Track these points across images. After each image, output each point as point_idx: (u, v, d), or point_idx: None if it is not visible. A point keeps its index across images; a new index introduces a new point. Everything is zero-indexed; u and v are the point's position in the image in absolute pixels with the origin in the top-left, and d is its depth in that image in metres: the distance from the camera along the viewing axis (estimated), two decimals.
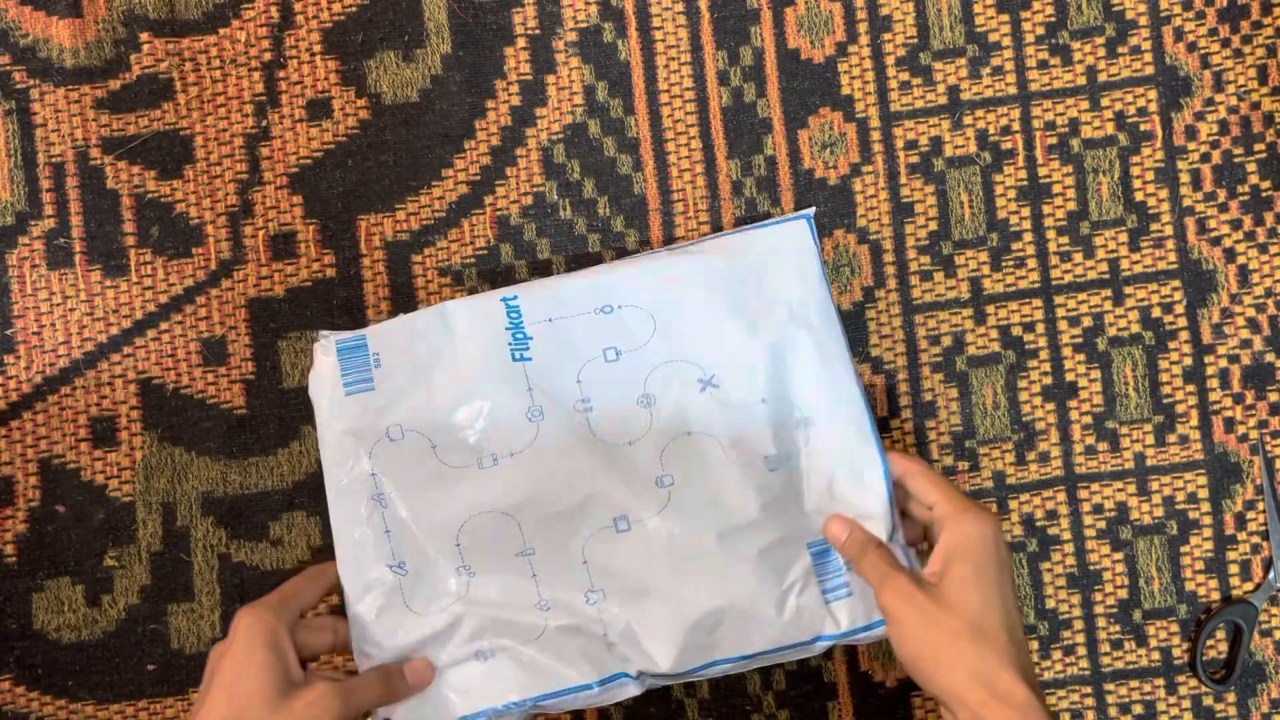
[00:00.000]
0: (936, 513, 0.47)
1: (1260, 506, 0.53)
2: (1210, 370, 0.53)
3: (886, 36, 0.54)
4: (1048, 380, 0.53)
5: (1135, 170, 0.54)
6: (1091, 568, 0.53)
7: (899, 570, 0.46)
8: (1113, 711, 0.53)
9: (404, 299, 0.53)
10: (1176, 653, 0.53)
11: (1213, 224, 0.54)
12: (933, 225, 0.54)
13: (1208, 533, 0.53)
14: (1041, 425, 0.53)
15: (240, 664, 0.44)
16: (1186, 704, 0.53)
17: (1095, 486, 0.53)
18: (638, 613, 0.48)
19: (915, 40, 0.53)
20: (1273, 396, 0.53)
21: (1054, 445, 0.53)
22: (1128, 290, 0.53)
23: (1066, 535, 0.53)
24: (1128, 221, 0.54)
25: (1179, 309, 0.53)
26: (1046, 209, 0.54)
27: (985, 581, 0.45)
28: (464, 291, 0.53)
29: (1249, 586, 0.54)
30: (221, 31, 0.54)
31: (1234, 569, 0.53)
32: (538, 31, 0.53)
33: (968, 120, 0.54)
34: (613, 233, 0.53)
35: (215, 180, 0.54)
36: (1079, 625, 0.53)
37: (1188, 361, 0.53)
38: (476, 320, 0.49)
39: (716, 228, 0.53)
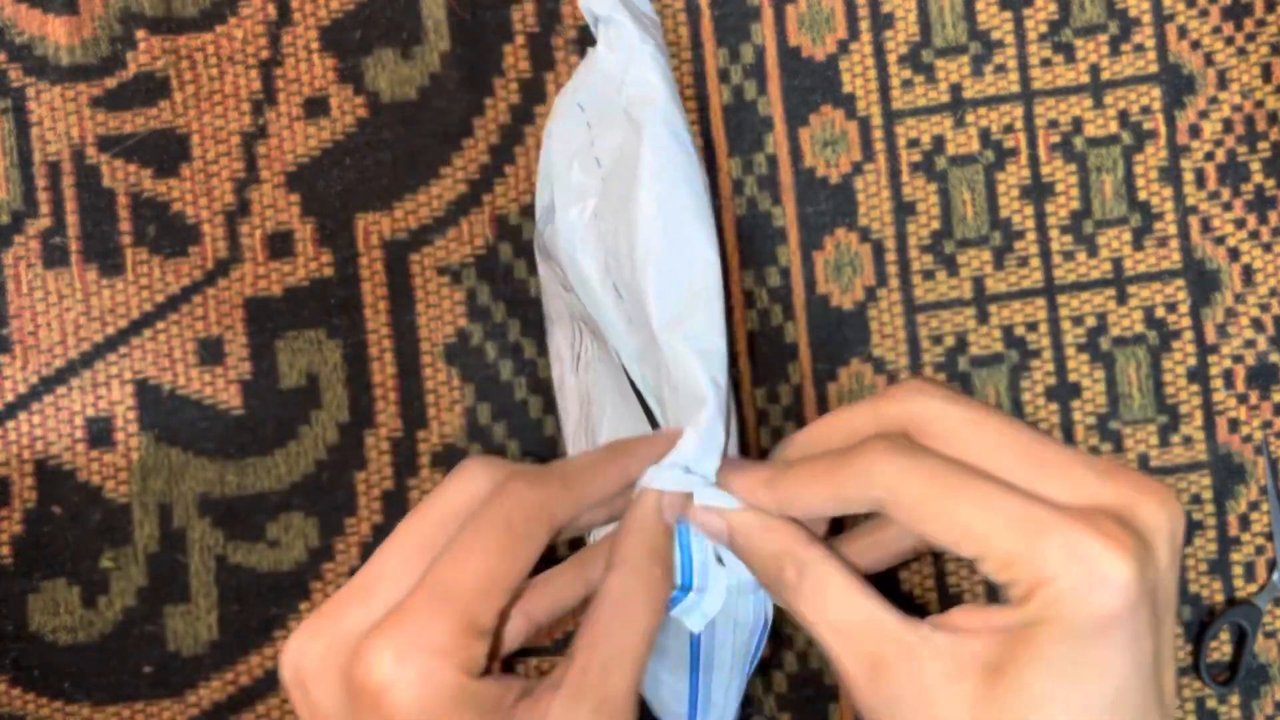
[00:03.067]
0: (987, 573, 0.29)
1: (1264, 507, 0.53)
2: (1214, 370, 0.53)
3: (888, 34, 0.53)
4: (1051, 381, 0.53)
5: (1139, 169, 0.53)
6: None
7: (893, 625, 0.30)
8: None
9: (402, 298, 0.53)
10: (1180, 655, 0.53)
11: (1216, 223, 0.53)
12: (935, 224, 0.53)
13: (1211, 534, 0.53)
14: (1045, 426, 0.53)
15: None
16: (1190, 706, 0.53)
17: None
18: None
19: (917, 38, 0.53)
20: (1277, 397, 0.53)
21: None
22: (1131, 290, 0.53)
23: None
24: (1131, 220, 0.53)
25: (1183, 309, 0.53)
26: (1049, 208, 0.53)
27: (1093, 687, 0.27)
28: (462, 291, 0.53)
29: (1253, 588, 0.53)
30: (219, 29, 0.53)
31: (1238, 570, 0.53)
32: (537, 29, 0.53)
33: (970, 118, 0.53)
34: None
35: (212, 179, 0.53)
36: None
37: (1191, 361, 0.53)
38: None
39: (717, 226, 0.53)
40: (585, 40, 0.53)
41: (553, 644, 0.53)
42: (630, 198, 0.40)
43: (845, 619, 0.31)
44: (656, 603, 0.33)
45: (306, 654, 0.31)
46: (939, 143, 0.53)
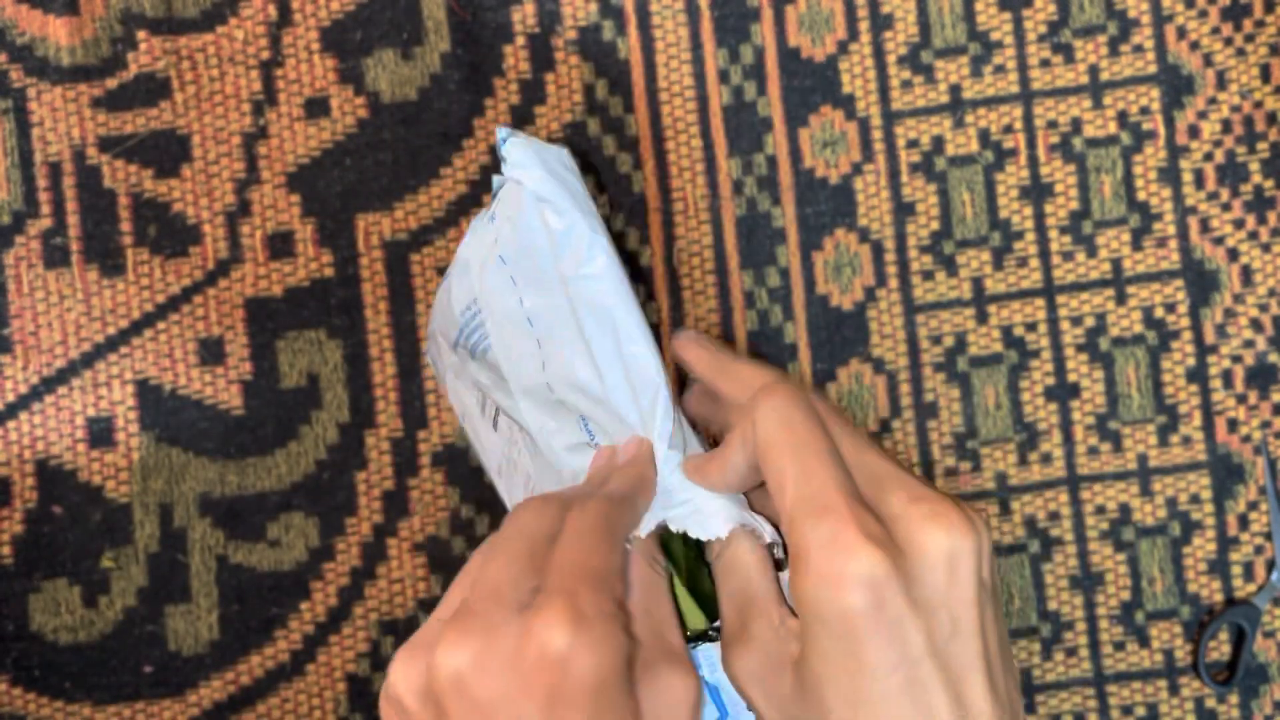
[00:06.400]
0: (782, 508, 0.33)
1: (1263, 507, 0.53)
2: (1213, 370, 0.53)
3: (888, 35, 0.53)
4: (1050, 381, 0.53)
5: (1138, 169, 0.53)
6: (1094, 569, 0.53)
7: (729, 621, 0.35)
8: (1115, 714, 0.53)
9: (402, 298, 0.53)
10: (1179, 654, 0.53)
11: (1215, 224, 0.53)
12: (934, 224, 0.53)
13: (1210, 534, 0.53)
14: (1044, 426, 0.53)
15: None
16: (1189, 705, 0.53)
17: (1098, 487, 0.53)
18: None
19: (917, 39, 0.53)
20: (1276, 397, 0.53)
21: (1056, 446, 0.53)
22: (1130, 290, 0.53)
23: (1069, 536, 0.53)
24: (1130, 221, 0.53)
25: (1182, 309, 0.53)
26: (1049, 208, 0.53)
27: (864, 678, 0.30)
28: None
29: (1251, 588, 0.53)
30: (219, 29, 0.53)
31: (1237, 570, 0.53)
32: (537, 30, 0.53)
33: (969, 119, 0.53)
34: (613, 232, 0.53)
35: (213, 179, 0.53)
36: (1081, 627, 0.53)
37: (1190, 362, 0.53)
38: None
39: (717, 227, 0.53)
40: (585, 41, 0.53)
41: None
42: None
43: (741, 589, 0.35)
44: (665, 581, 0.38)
45: (460, 652, 0.32)
46: (938, 143, 0.53)
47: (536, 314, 0.45)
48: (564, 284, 0.44)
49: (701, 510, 0.39)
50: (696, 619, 0.42)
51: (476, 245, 0.47)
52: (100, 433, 0.53)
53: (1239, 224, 0.53)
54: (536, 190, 0.44)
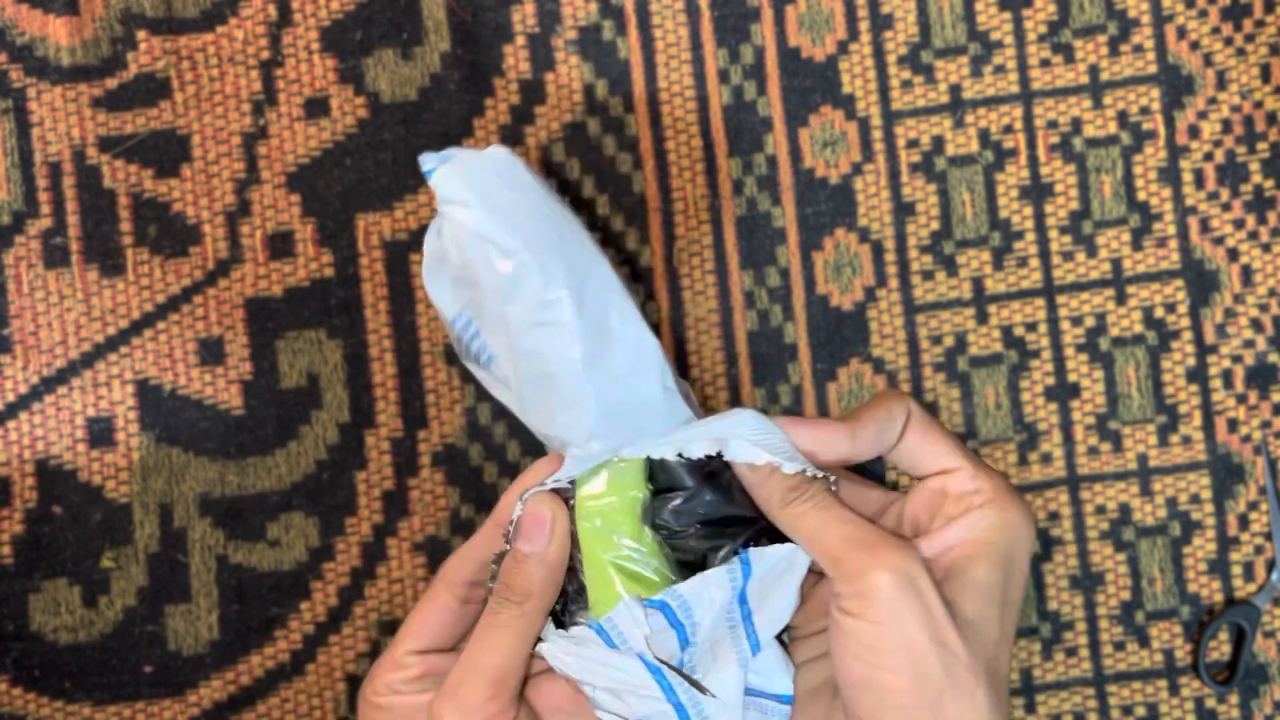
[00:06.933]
0: (957, 485, 0.40)
1: (1263, 507, 0.53)
2: (1213, 370, 0.53)
3: (888, 35, 0.53)
4: (1050, 381, 0.53)
5: (1138, 169, 0.53)
6: (1094, 569, 0.53)
7: (875, 531, 0.38)
8: (1115, 714, 0.53)
9: (402, 298, 0.53)
10: (1179, 654, 0.53)
11: (1215, 223, 0.53)
12: (934, 224, 0.53)
13: (1210, 534, 0.53)
14: (1044, 426, 0.53)
15: None
16: (1189, 705, 0.53)
17: (1098, 487, 0.53)
18: None
19: (917, 39, 0.53)
20: (1276, 397, 0.53)
21: (1056, 446, 0.53)
22: (1130, 290, 0.53)
23: (1069, 536, 0.53)
24: (1130, 221, 0.53)
25: (1182, 309, 0.53)
26: (1049, 208, 0.53)
27: (1011, 606, 0.38)
28: None
29: (1252, 588, 0.53)
30: (219, 29, 0.53)
31: (1237, 570, 0.53)
32: (537, 30, 0.53)
33: (969, 119, 0.53)
34: (612, 232, 0.53)
35: (213, 179, 0.53)
36: (1081, 627, 0.53)
37: (1190, 362, 0.53)
38: None
39: (717, 227, 0.53)
40: (585, 41, 0.53)
41: None
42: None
43: (855, 514, 0.39)
44: (517, 625, 0.40)
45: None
46: (938, 143, 0.53)
47: (496, 353, 0.43)
48: (510, 331, 0.41)
49: (780, 451, 0.40)
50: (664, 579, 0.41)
51: (434, 259, 0.44)
52: (100, 433, 0.53)
53: (1239, 224, 0.53)
54: (476, 230, 0.40)
